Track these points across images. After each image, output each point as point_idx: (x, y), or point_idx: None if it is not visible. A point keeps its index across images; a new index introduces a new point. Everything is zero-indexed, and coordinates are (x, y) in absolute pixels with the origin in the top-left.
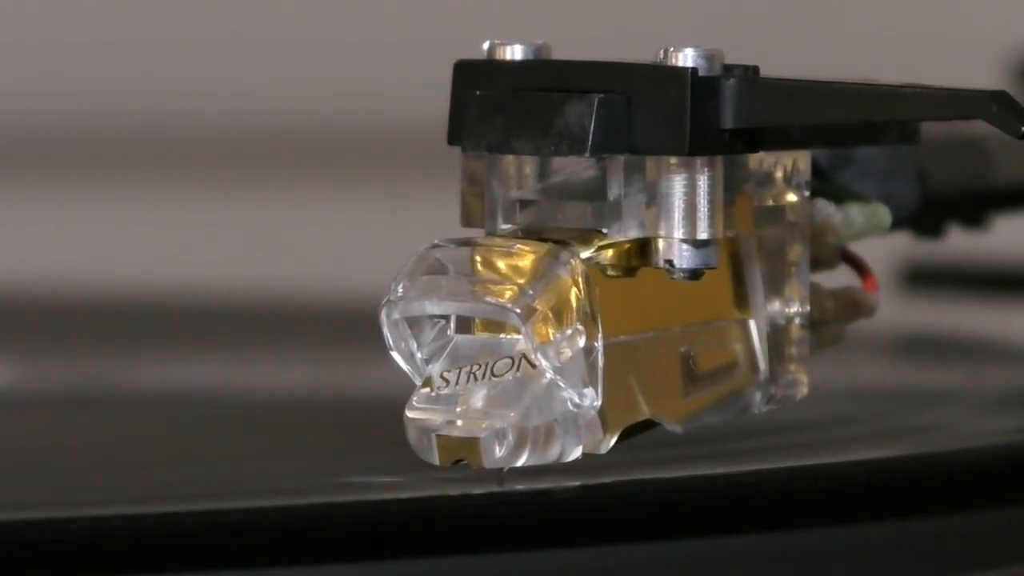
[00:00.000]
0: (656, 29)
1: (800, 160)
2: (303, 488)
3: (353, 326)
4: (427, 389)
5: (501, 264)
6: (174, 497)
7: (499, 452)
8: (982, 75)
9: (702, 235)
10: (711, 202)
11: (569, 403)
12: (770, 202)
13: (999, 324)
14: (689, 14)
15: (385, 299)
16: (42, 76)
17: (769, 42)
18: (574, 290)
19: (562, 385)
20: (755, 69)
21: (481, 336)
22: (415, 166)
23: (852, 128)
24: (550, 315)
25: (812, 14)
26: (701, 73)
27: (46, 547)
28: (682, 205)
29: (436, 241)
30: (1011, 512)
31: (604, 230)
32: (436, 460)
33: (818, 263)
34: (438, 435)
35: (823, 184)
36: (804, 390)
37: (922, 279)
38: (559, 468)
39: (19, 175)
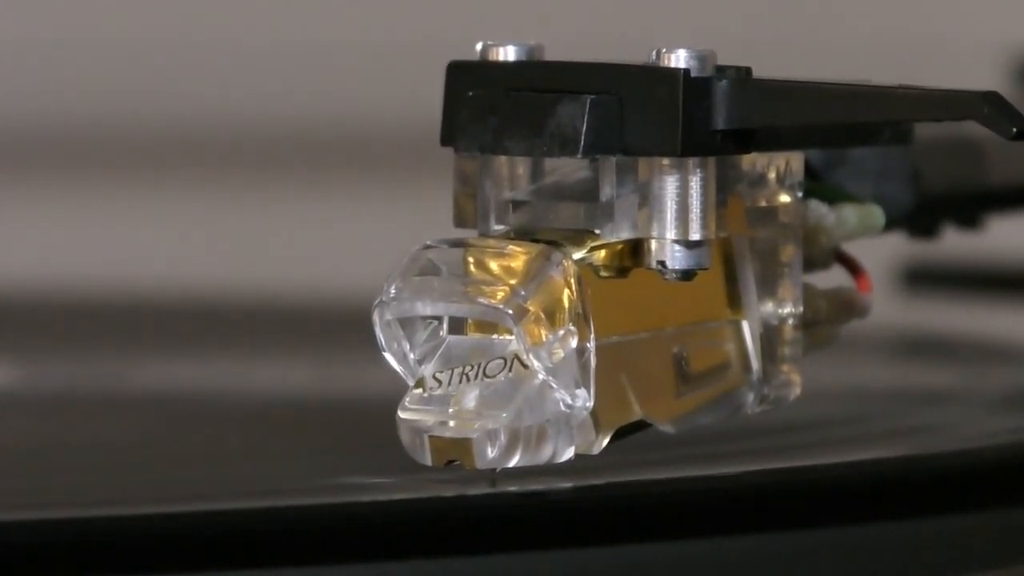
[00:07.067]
0: (649, 30)
1: (793, 161)
2: (296, 489)
3: (350, 326)
4: (420, 390)
5: (493, 265)
6: (174, 497)
7: (491, 453)
8: (982, 76)
9: (694, 236)
10: (703, 203)
11: (561, 404)
12: (763, 203)
13: (998, 324)
14: (682, 15)
15: (378, 300)
16: (42, 76)
17: (765, 43)
18: (566, 291)
19: (554, 386)
20: (747, 70)
21: (473, 337)
22: (408, 167)
23: (845, 129)
24: (542, 316)
25: (812, 14)
26: (693, 74)
27: (46, 547)
28: (674, 206)
29: (428, 242)
30: (1011, 512)
31: (596, 231)
32: (428, 461)
33: (811, 264)
34: (430, 436)
35: (816, 185)
36: (797, 391)
37: (921, 280)
38: (551, 469)
39: (19, 175)
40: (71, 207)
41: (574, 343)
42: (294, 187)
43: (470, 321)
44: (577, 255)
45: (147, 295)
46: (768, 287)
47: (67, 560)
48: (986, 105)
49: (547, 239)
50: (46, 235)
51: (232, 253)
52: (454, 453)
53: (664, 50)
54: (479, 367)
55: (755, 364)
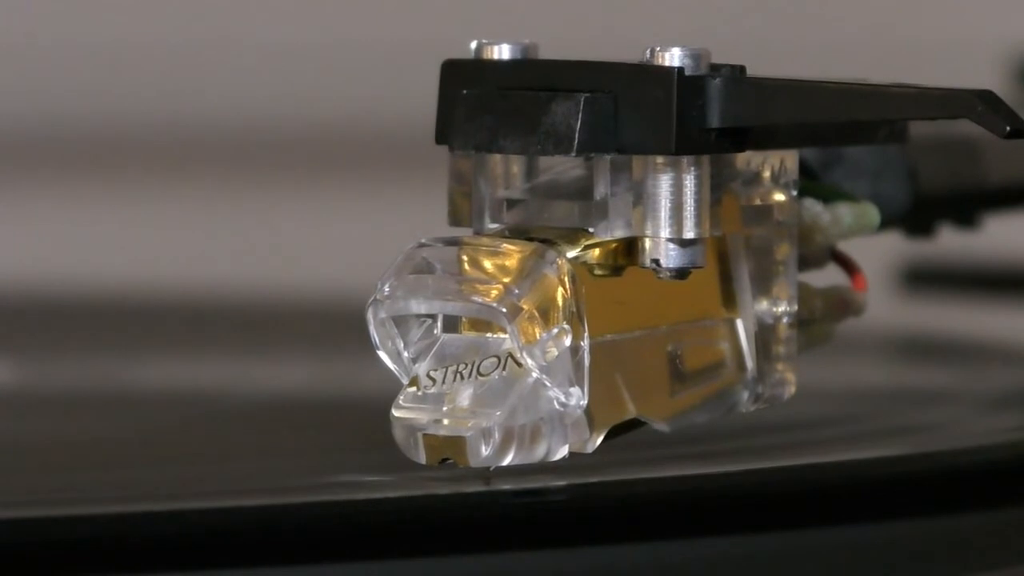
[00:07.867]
0: (643, 28)
1: (787, 159)
2: (291, 487)
3: (347, 325)
4: (414, 388)
5: (488, 263)
6: (172, 495)
7: (485, 451)
8: (982, 76)
9: (689, 234)
10: (698, 201)
11: (555, 402)
12: (757, 201)
13: (996, 323)
14: (676, 13)
15: (372, 298)
16: (43, 76)
17: (761, 42)
18: (560, 289)
19: (548, 384)
20: (741, 68)
21: (468, 335)
22: (403, 165)
23: (839, 127)
24: (536, 314)
25: (810, 14)
26: (687, 72)
27: (46, 547)
28: (669, 204)
29: (423, 240)
30: (1011, 512)
31: (591, 229)
32: (422, 459)
33: (807, 262)
34: (424, 434)
35: (812, 183)
36: (792, 389)
37: (920, 279)
38: (545, 467)
39: (19, 175)
40: (71, 207)
41: (568, 341)
42: (291, 186)
43: (464, 319)
44: (571, 253)
45: (147, 295)
46: (763, 285)
47: (67, 559)
48: (980, 103)
49: (541, 237)
50: (46, 235)
51: (231, 253)
52: (448, 451)
53: (658, 48)
54: (473, 365)
55: (750, 363)
